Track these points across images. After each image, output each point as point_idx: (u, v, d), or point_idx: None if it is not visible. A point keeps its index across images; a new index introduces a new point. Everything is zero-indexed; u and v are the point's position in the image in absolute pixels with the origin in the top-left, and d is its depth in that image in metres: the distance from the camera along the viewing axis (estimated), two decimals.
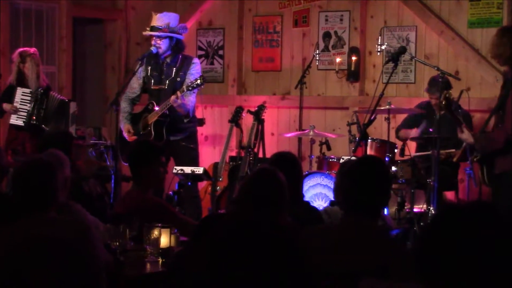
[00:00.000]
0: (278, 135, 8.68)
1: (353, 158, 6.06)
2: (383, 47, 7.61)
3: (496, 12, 7.67)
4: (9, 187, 5.27)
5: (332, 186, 6.71)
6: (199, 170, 6.51)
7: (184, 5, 9.28)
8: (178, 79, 7.37)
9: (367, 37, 8.37)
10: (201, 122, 8.27)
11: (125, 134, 7.47)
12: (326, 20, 8.58)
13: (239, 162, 7.48)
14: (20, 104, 7.89)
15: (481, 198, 6.53)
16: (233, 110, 8.09)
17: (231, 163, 7.89)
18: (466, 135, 6.13)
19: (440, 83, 6.81)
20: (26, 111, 7.90)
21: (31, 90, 7.89)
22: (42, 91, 7.93)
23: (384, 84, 6.81)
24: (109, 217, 4.90)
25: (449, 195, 7.30)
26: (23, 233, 1.79)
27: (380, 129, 7.90)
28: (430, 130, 6.95)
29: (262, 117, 7.71)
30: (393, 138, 7.41)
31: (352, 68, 8.34)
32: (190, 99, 7.27)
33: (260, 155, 7.62)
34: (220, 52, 9.25)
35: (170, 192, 6.19)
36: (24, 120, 7.90)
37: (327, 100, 8.57)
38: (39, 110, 7.90)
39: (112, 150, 8.02)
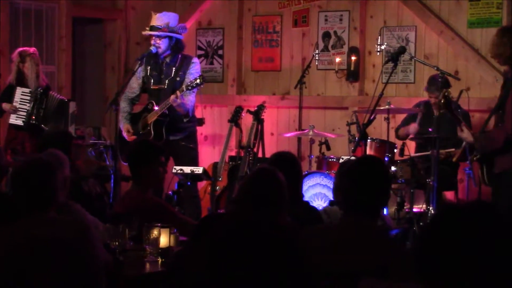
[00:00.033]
0: (278, 135, 8.69)
1: (353, 158, 6.06)
2: (382, 47, 7.61)
3: (495, 12, 7.67)
4: (9, 187, 5.27)
5: (331, 186, 6.71)
6: (198, 170, 6.51)
7: (184, 5, 9.28)
8: (178, 78, 7.38)
9: (366, 37, 8.37)
10: (201, 122, 8.27)
11: (125, 134, 7.47)
12: (326, 20, 8.58)
13: (239, 162, 7.48)
14: (20, 103, 7.89)
15: (480, 198, 6.53)
16: (232, 110, 8.09)
17: (230, 163, 7.89)
18: (466, 134, 6.14)
19: (440, 82, 6.82)
20: (26, 110, 7.90)
21: (30, 89, 7.89)
22: (41, 90, 7.93)
23: (384, 84, 6.80)
24: (108, 217, 4.90)
25: (449, 195, 7.30)
26: (22, 233, 1.79)
27: (379, 129, 7.90)
28: (430, 129, 6.95)
29: (262, 117, 7.71)
30: (392, 138, 7.41)
31: (352, 68, 8.35)
32: (190, 98, 7.27)
33: (260, 155, 7.62)
34: (220, 52, 9.25)
35: (170, 192, 6.19)
36: (24, 119, 7.90)
37: (327, 100, 8.57)
38: (38, 110, 7.90)
39: (111, 150, 8.02)
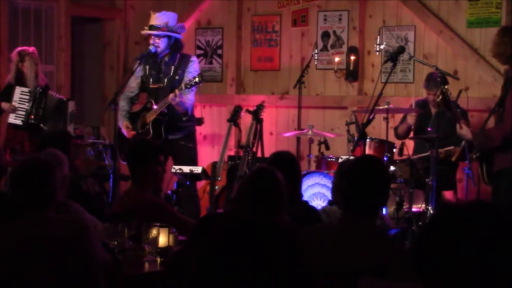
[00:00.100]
0: (277, 134, 8.68)
1: (352, 157, 6.06)
2: (381, 47, 7.62)
3: (495, 12, 7.67)
4: (8, 186, 5.26)
5: (330, 185, 6.71)
6: (197, 169, 6.51)
7: (183, 4, 9.28)
8: (177, 77, 7.38)
9: (365, 36, 8.37)
10: (200, 121, 8.27)
11: (124, 130, 7.46)
12: (325, 19, 8.58)
13: (238, 161, 7.48)
14: (19, 103, 7.89)
15: (479, 198, 6.53)
16: (231, 109, 8.09)
17: (229, 162, 7.88)
18: (465, 131, 6.16)
19: (438, 79, 6.83)
20: (25, 110, 7.89)
21: (29, 89, 7.89)
22: (40, 90, 7.92)
23: (383, 83, 6.80)
24: (107, 216, 4.90)
25: (448, 194, 7.30)
26: (22, 232, 1.79)
27: (378, 128, 7.90)
28: (429, 129, 6.95)
29: (261, 117, 7.70)
30: (391, 138, 7.41)
31: (351, 68, 8.34)
32: (189, 97, 7.27)
33: (259, 154, 7.62)
34: (219, 51, 9.25)
35: (169, 191, 6.19)
36: (23, 119, 7.90)
37: (326, 99, 8.57)
38: (37, 109, 7.90)
39: (110, 149, 8.02)
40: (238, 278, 1.81)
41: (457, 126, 6.21)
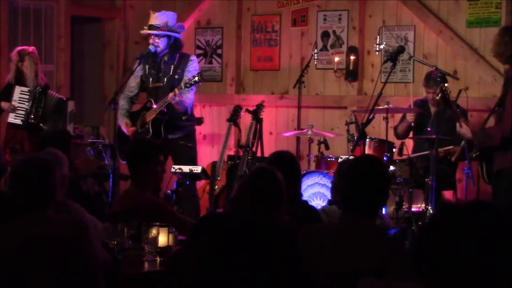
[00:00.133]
0: (277, 134, 8.68)
1: (351, 157, 6.06)
2: (381, 47, 7.62)
3: (494, 12, 7.67)
4: (8, 186, 5.26)
5: (330, 185, 6.71)
6: (197, 169, 6.51)
7: (183, 4, 9.28)
8: (176, 76, 7.38)
9: (365, 36, 8.37)
10: (200, 121, 8.27)
11: (124, 128, 7.45)
12: (325, 19, 8.58)
13: (238, 161, 7.47)
14: (18, 102, 7.89)
15: (479, 197, 6.53)
16: (231, 109, 8.09)
17: (229, 162, 7.88)
18: (464, 130, 6.17)
19: (437, 79, 6.83)
20: (24, 109, 7.89)
21: (29, 88, 7.89)
22: (40, 89, 7.93)
23: (383, 83, 6.80)
24: (107, 216, 4.89)
25: (447, 194, 7.30)
26: (21, 232, 1.79)
27: (378, 128, 7.90)
28: (428, 129, 6.95)
29: (261, 116, 7.70)
30: (391, 138, 7.41)
31: (351, 68, 8.34)
32: (188, 96, 7.27)
33: (259, 154, 7.62)
34: (219, 51, 9.25)
35: (168, 191, 6.19)
36: (22, 118, 7.89)
37: (326, 99, 8.57)
38: (37, 109, 7.90)
39: (110, 149, 8.02)
40: (238, 278, 1.81)
41: (457, 124, 6.22)
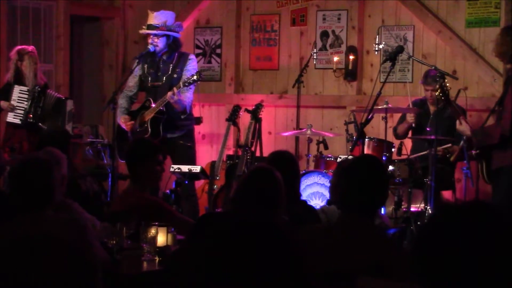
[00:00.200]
0: (276, 134, 8.68)
1: (350, 157, 6.06)
2: (380, 46, 7.62)
3: (493, 12, 7.68)
4: (6, 185, 5.26)
5: (329, 185, 6.71)
6: (196, 168, 6.51)
7: (182, 3, 9.28)
8: (175, 75, 7.38)
9: (364, 36, 8.37)
10: (199, 120, 8.27)
11: (122, 124, 7.44)
12: (324, 19, 8.58)
13: (236, 160, 7.47)
14: (17, 102, 7.88)
15: (478, 197, 6.53)
16: (230, 108, 8.09)
17: (228, 161, 7.88)
18: (464, 127, 6.17)
19: (437, 78, 6.83)
20: (23, 109, 7.89)
21: (28, 88, 7.89)
22: (39, 89, 7.92)
23: (382, 83, 6.80)
24: (106, 215, 4.89)
25: (446, 194, 7.30)
26: (20, 231, 1.79)
27: (377, 128, 7.90)
28: (428, 129, 6.95)
29: (260, 116, 7.71)
30: (390, 137, 7.41)
31: (350, 67, 8.34)
32: (187, 95, 7.27)
33: (257, 154, 7.62)
34: (218, 50, 9.24)
35: (167, 191, 6.19)
36: (21, 118, 7.89)
37: (325, 99, 8.56)
38: (36, 108, 7.89)
39: (109, 148, 8.02)
40: (237, 278, 1.81)
41: (457, 122, 6.22)
